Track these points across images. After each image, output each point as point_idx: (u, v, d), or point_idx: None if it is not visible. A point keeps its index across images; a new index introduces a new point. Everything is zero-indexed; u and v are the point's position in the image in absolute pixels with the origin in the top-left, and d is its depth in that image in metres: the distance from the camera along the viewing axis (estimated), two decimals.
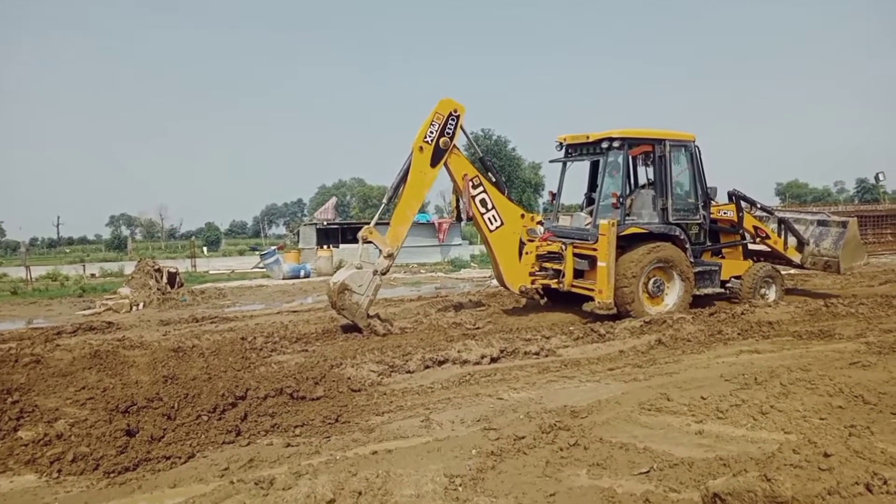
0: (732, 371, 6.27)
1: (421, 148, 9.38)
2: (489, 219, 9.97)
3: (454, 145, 9.67)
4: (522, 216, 10.36)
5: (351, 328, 9.43)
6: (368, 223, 9.70)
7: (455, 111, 9.52)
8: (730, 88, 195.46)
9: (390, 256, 9.32)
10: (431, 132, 9.39)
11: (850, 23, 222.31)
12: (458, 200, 10.09)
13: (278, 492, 3.55)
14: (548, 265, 10.23)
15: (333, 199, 36.57)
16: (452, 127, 9.51)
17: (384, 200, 9.85)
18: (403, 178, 9.44)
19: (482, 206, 9.91)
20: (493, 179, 10.20)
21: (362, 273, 9.07)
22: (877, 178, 33.51)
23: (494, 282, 16.64)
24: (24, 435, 4.70)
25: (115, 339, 8.62)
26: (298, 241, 30.57)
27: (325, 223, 29.89)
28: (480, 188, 9.89)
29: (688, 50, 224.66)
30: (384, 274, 9.35)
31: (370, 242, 9.50)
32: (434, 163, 9.48)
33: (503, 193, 10.18)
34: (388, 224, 9.76)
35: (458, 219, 10.41)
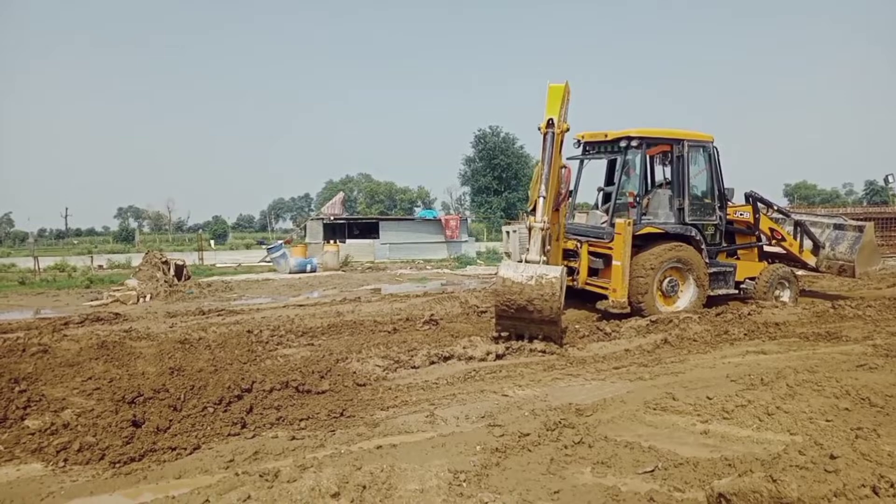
0: (738, 371, 6.25)
1: (559, 132, 8.46)
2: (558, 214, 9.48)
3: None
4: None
5: (356, 323, 9.44)
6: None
7: (568, 96, 8.86)
8: (738, 88, 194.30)
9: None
10: (564, 116, 8.63)
11: (860, 23, 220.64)
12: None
13: (283, 484, 3.56)
14: (563, 262, 10.21)
15: (341, 195, 36.65)
16: (567, 110, 8.88)
17: (543, 194, 8.22)
18: (551, 166, 8.36)
19: (559, 200, 9.27)
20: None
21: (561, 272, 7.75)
22: (886, 180, 33.28)
23: None
24: (31, 424, 4.73)
25: (122, 331, 8.67)
26: (305, 236, 30.64)
27: (332, 218, 29.95)
28: (565, 185, 9.46)
29: (696, 48, 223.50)
30: None
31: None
32: (562, 147, 8.79)
33: None
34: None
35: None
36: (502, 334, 7.90)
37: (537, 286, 7.36)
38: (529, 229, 8.10)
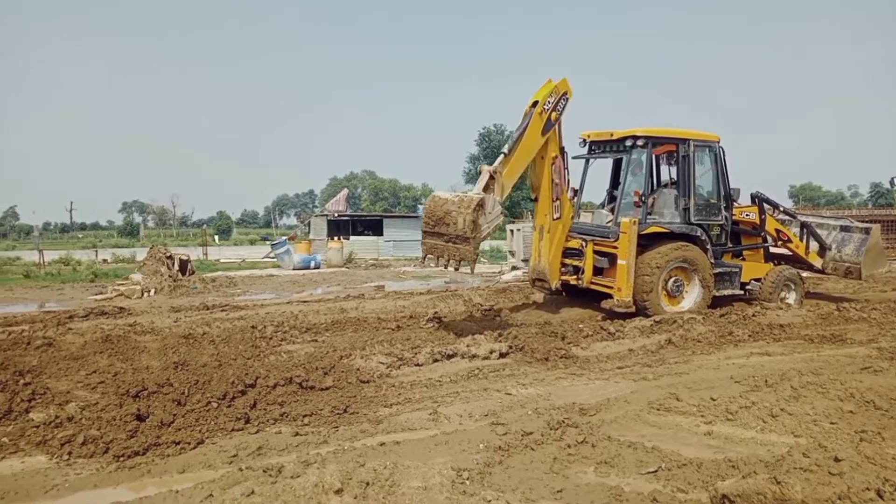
0: (742, 373, 6.23)
1: (541, 113, 9.02)
2: (556, 207, 9.89)
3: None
4: (572, 218, 10.41)
5: (360, 320, 9.45)
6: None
7: (566, 94, 9.34)
8: (744, 88, 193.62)
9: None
10: (549, 102, 9.11)
11: (867, 24, 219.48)
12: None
13: (286, 480, 3.57)
14: (567, 261, 10.22)
15: (345, 191, 36.66)
16: (563, 106, 9.34)
17: (505, 150, 8.74)
18: (521, 136, 8.91)
19: (554, 193, 9.81)
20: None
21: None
22: (891, 182, 33.22)
23: (506, 276, 16.65)
24: (36, 417, 4.75)
25: (127, 325, 8.69)
26: (309, 232, 30.69)
27: (336, 215, 30.01)
28: (559, 176, 9.76)
29: (699, 48, 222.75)
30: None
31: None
32: (544, 132, 9.21)
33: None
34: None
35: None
36: (428, 257, 8.15)
37: (458, 201, 7.69)
38: (479, 171, 8.38)
